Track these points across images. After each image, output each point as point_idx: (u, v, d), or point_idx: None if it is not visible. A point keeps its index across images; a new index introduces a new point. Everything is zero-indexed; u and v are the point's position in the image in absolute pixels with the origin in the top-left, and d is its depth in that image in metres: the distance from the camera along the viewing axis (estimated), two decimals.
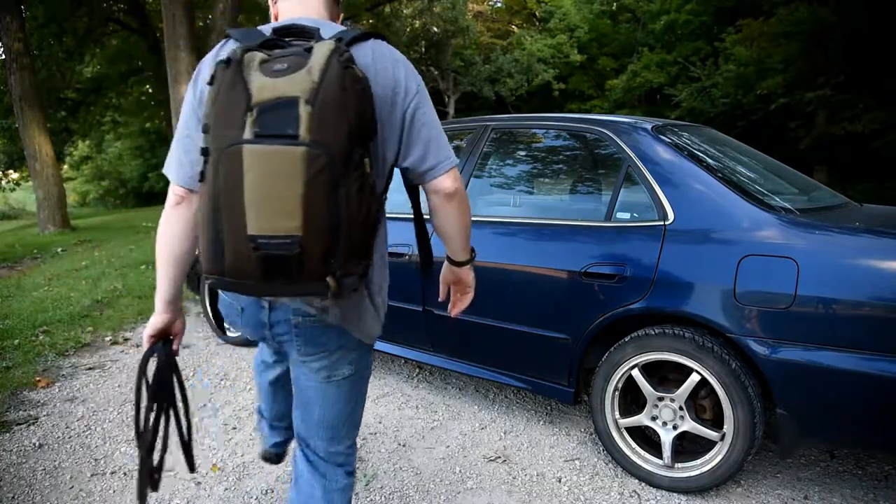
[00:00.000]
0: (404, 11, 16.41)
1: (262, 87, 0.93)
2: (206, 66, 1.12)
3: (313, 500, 1.33)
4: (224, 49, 1.11)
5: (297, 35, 1.07)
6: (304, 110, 0.91)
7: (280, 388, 1.67)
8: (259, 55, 0.96)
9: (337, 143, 0.93)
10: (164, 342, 1.24)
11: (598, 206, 2.33)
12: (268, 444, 1.80)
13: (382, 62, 1.10)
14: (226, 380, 3.02)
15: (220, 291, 1.26)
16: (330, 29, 1.13)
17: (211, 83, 0.98)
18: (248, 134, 0.92)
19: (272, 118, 0.92)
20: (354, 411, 1.31)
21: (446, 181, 1.16)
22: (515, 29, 20.69)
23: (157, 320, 1.21)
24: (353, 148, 0.96)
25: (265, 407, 1.76)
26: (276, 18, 1.24)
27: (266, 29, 1.11)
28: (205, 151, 0.98)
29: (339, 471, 1.33)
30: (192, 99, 1.13)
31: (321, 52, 0.96)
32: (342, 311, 1.14)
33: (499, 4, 21.07)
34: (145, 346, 1.22)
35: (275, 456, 1.82)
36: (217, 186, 0.95)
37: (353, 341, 1.20)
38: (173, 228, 1.21)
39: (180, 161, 1.14)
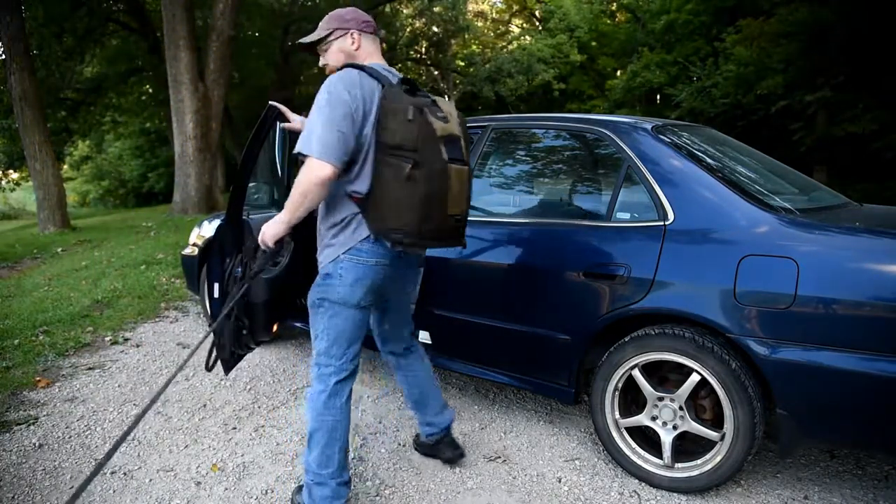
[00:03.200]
0: (404, 11, 16.41)
1: (441, 128, 1.63)
2: (368, 90, 1.67)
3: (420, 360, 2.17)
4: (373, 83, 1.69)
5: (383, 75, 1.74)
6: (462, 144, 1.75)
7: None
8: (426, 101, 1.67)
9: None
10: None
11: (599, 206, 2.33)
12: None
13: None
14: (226, 380, 3.02)
15: (356, 270, 1.76)
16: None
17: (385, 110, 1.64)
18: (445, 157, 1.62)
19: (451, 149, 1.66)
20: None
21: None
22: (515, 29, 20.70)
23: (283, 230, 1.79)
24: None
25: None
26: (358, 47, 1.84)
27: (379, 66, 1.79)
28: (408, 158, 1.60)
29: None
30: (349, 107, 1.63)
31: (448, 105, 1.76)
32: None
33: (499, 4, 21.08)
34: (272, 246, 1.83)
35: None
36: (432, 185, 1.61)
37: None
38: (323, 191, 1.67)
39: (336, 148, 1.61)
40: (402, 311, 2.08)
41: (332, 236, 1.78)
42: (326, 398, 1.79)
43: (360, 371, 3.13)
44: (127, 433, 1.41)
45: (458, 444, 2.23)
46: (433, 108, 1.65)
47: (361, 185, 1.70)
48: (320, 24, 1.89)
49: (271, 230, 1.79)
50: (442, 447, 2.21)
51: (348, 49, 1.83)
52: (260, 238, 1.83)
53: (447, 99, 1.88)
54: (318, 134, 1.61)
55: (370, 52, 1.86)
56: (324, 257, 1.81)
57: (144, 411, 1.56)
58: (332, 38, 1.85)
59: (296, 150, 1.67)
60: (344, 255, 1.75)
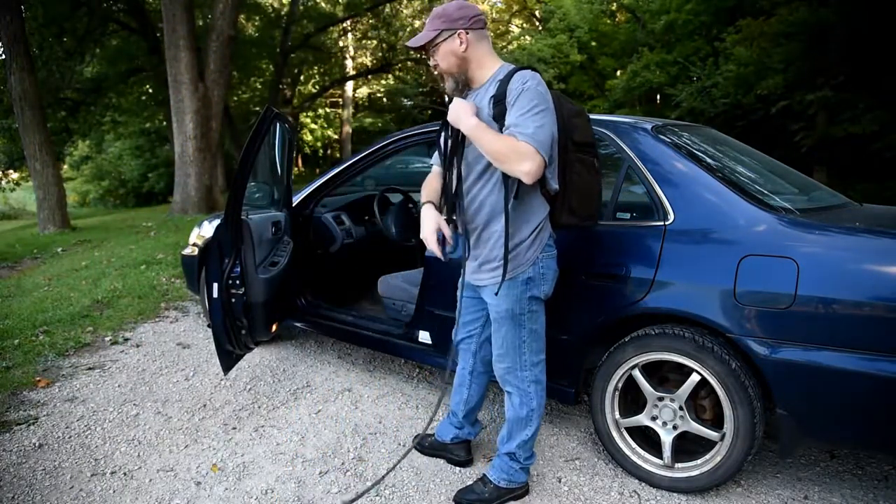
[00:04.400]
0: (404, 12, 16.41)
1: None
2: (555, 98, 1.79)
3: (490, 374, 2.11)
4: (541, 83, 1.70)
5: None
6: None
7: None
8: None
9: None
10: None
11: None
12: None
13: None
14: (226, 380, 3.02)
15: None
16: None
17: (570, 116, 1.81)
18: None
19: None
20: None
21: None
22: (515, 29, 20.70)
23: (469, 126, 1.69)
24: None
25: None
26: (467, 47, 1.75)
27: (505, 68, 1.78)
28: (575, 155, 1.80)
29: None
30: (553, 108, 1.71)
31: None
32: None
33: (499, 4, 21.08)
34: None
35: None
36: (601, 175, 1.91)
37: None
38: (528, 180, 1.63)
39: (548, 150, 1.65)
40: None
41: (528, 243, 1.78)
42: (543, 389, 1.94)
43: (359, 371, 3.14)
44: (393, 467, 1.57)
45: (471, 450, 2.26)
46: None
47: (555, 182, 1.77)
48: (427, 22, 1.81)
49: (456, 112, 1.71)
50: (456, 448, 2.24)
51: (458, 52, 1.75)
52: (451, 112, 1.73)
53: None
54: (532, 131, 1.60)
55: (484, 53, 1.78)
56: (517, 264, 1.78)
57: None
58: (439, 39, 1.76)
59: (520, 138, 1.60)
60: (542, 255, 1.81)
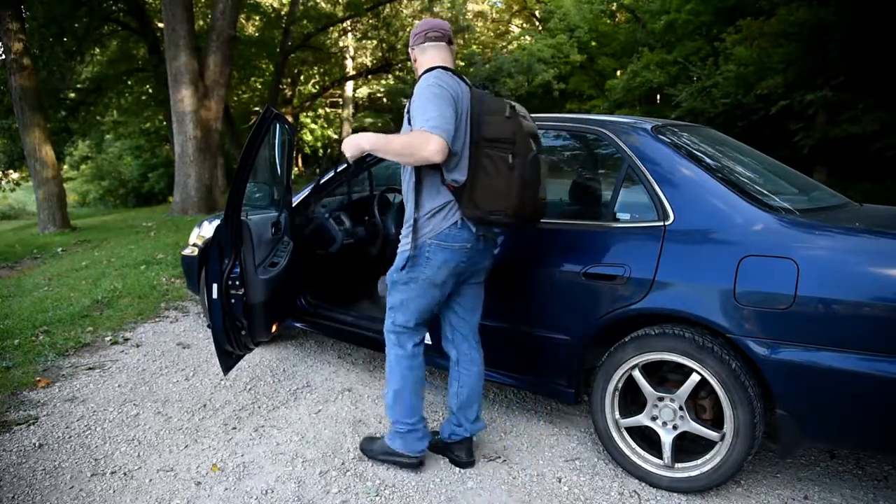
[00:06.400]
0: (404, 12, 16.41)
1: (528, 126, 1.92)
2: (458, 88, 1.94)
3: (478, 364, 2.21)
4: (459, 83, 1.98)
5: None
6: (539, 140, 2.01)
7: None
8: (512, 103, 1.93)
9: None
10: None
11: (599, 206, 2.33)
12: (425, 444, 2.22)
13: None
14: (226, 380, 3.02)
15: (439, 253, 1.96)
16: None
17: (484, 108, 1.92)
18: (534, 148, 1.90)
19: (535, 143, 1.94)
20: None
21: None
22: (515, 29, 20.70)
23: (365, 149, 2.00)
24: None
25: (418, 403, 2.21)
26: (416, 59, 2.09)
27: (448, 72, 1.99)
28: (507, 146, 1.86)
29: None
30: (450, 99, 1.86)
31: (522, 108, 1.97)
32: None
33: (499, 4, 21.08)
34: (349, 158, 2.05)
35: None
36: (526, 172, 1.85)
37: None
38: (429, 158, 1.80)
39: (449, 131, 1.81)
40: (475, 297, 2.19)
41: (422, 222, 1.96)
42: (409, 359, 2.10)
43: (359, 371, 3.14)
44: None
45: (472, 452, 2.26)
46: (519, 109, 1.93)
47: (460, 175, 1.91)
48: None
49: (353, 142, 2.00)
50: (456, 448, 2.24)
51: (414, 65, 2.10)
52: (343, 146, 2.04)
53: None
54: (431, 115, 1.80)
55: (423, 63, 2.05)
56: (409, 240, 1.98)
57: None
58: (411, 52, 2.12)
59: (413, 128, 1.84)
60: (432, 239, 1.94)
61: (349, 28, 17.92)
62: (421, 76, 1.97)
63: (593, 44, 15.24)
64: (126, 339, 3.70)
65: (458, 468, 2.21)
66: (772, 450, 2.27)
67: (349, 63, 19.72)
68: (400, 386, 2.11)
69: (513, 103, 1.94)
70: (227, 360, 2.58)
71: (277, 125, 2.77)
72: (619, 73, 14.10)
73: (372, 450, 2.25)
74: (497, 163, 1.85)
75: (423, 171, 1.94)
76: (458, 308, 2.16)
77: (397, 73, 17.90)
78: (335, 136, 23.85)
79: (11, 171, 14.61)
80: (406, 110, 1.95)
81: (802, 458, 2.27)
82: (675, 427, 2.02)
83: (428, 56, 2.05)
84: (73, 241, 8.29)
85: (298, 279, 3.09)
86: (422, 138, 1.77)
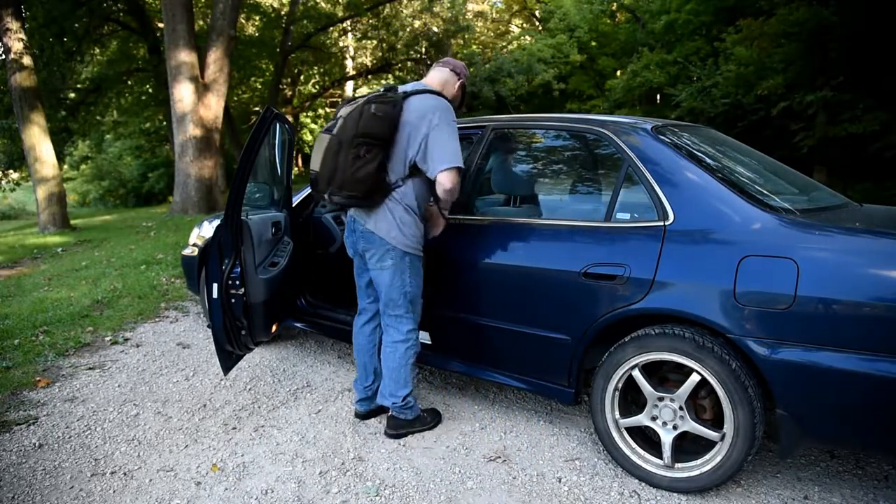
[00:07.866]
0: (404, 12, 16.40)
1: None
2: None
3: (384, 345, 2.42)
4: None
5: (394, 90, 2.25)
6: (339, 124, 2.18)
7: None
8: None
9: (346, 136, 2.12)
10: None
11: (598, 206, 2.33)
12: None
13: (422, 104, 2.19)
14: (226, 380, 3.02)
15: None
16: (412, 87, 2.28)
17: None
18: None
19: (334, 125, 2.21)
20: (400, 290, 2.31)
21: (441, 177, 2.16)
22: (515, 29, 20.70)
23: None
24: (357, 140, 2.11)
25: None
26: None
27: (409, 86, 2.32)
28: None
29: (392, 330, 2.38)
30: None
31: (362, 98, 2.20)
32: (375, 223, 2.25)
33: (499, 4, 21.07)
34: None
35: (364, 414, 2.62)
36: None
37: (387, 244, 2.25)
38: None
39: None
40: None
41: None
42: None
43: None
44: None
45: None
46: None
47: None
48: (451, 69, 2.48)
49: (442, 225, 2.46)
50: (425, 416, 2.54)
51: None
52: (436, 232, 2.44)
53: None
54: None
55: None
56: None
57: None
58: (459, 83, 2.47)
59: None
60: None
61: (349, 28, 17.92)
62: (442, 99, 2.24)
63: (593, 44, 15.25)
64: (126, 339, 3.70)
65: (457, 468, 2.21)
66: (772, 450, 2.27)
67: (349, 63, 19.71)
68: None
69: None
70: (227, 360, 2.58)
71: (277, 125, 2.77)
72: (619, 73, 14.11)
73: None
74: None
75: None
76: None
77: (397, 73, 17.89)
78: None
79: (11, 171, 14.61)
80: (421, 115, 2.17)
81: (802, 458, 2.27)
82: (675, 427, 2.02)
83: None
84: (73, 241, 8.30)
85: (298, 279, 3.09)
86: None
